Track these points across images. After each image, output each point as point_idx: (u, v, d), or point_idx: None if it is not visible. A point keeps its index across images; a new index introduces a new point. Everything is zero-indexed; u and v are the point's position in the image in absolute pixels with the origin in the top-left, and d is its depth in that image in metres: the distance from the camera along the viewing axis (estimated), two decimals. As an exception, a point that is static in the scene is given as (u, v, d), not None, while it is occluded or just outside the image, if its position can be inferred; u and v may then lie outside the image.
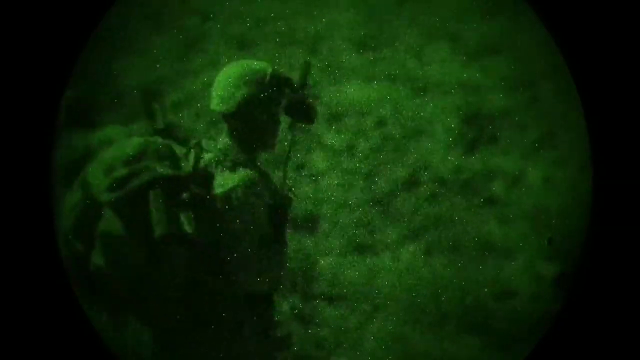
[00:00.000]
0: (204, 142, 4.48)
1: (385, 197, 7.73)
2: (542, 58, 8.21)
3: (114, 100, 8.17)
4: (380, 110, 8.27)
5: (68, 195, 4.36)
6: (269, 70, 4.41)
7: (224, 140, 4.45)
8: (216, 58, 8.55)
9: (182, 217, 4.23)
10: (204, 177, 4.34)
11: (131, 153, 4.34)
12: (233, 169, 4.36)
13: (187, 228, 4.23)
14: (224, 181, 4.33)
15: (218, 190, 4.32)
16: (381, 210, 7.63)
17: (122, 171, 4.27)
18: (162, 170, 4.28)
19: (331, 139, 8.10)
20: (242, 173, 4.34)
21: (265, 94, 4.37)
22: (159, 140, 4.42)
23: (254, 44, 8.88)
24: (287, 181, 4.70)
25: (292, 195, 4.64)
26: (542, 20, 5.15)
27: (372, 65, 8.66)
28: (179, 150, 4.42)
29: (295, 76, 4.50)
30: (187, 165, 4.34)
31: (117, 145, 4.39)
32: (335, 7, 9.22)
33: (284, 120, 4.53)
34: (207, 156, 4.41)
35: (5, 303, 4.55)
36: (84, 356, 4.57)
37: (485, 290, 6.96)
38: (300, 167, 7.92)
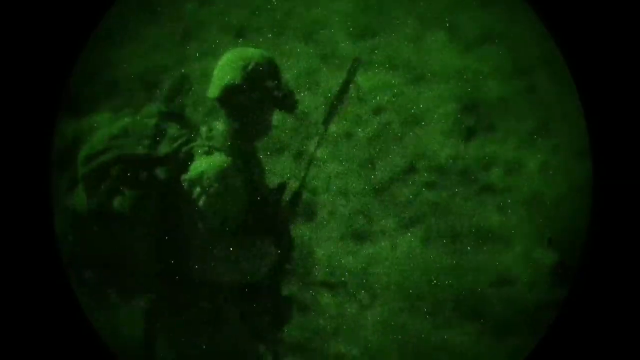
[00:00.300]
0: (202, 129, 4.50)
1: (383, 185, 7.73)
2: (538, 46, 8.20)
3: (110, 88, 8.16)
4: (378, 98, 8.26)
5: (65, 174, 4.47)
6: (256, 58, 4.45)
7: (219, 126, 4.48)
8: (213, 46, 8.52)
9: (124, 196, 4.28)
10: (182, 161, 4.37)
11: (114, 131, 4.42)
12: (209, 154, 4.38)
13: (121, 208, 4.28)
14: (196, 166, 4.36)
15: (188, 174, 4.35)
16: (379, 198, 7.63)
17: (97, 147, 4.33)
18: (129, 149, 4.35)
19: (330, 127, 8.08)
20: (214, 159, 4.36)
21: (248, 82, 4.41)
22: (150, 121, 4.46)
23: (252, 32, 8.86)
24: (305, 178, 4.75)
25: (302, 193, 4.69)
26: (539, 14, 5.14)
27: (370, 53, 8.63)
28: (178, 133, 4.45)
29: (283, 63, 4.54)
30: (165, 148, 4.37)
31: (109, 125, 4.47)
32: (333, -6, 9.23)
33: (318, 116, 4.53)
34: (199, 141, 4.44)
35: (4, 302, 4.56)
36: (83, 355, 4.59)
37: (483, 277, 6.97)
38: (298, 155, 7.91)
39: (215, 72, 4.49)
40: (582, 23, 4.98)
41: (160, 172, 4.34)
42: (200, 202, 4.30)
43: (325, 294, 6.91)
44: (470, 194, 7.64)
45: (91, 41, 4.69)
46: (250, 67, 4.41)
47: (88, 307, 4.62)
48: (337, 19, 8.96)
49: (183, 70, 8.22)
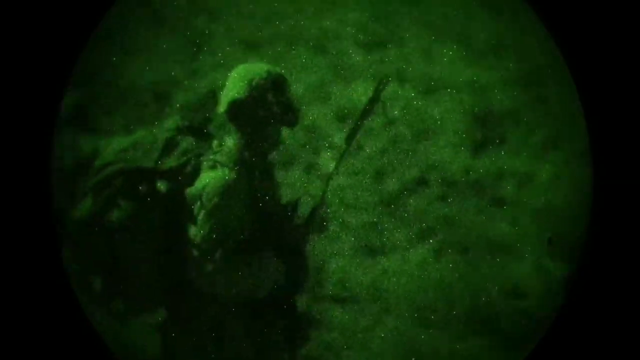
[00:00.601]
0: (213, 143, 4.51)
1: (394, 198, 7.71)
2: (548, 57, 8.18)
3: (120, 101, 8.20)
4: (389, 110, 8.24)
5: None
6: (261, 73, 4.45)
7: (229, 141, 4.47)
8: (224, 58, 8.54)
9: (121, 208, 4.30)
10: (188, 175, 4.38)
11: (125, 144, 4.45)
12: (214, 168, 4.38)
13: (119, 219, 4.29)
14: (200, 180, 4.36)
15: (191, 188, 4.36)
16: (390, 211, 7.61)
17: (106, 159, 4.37)
18: (134, 162, 4.37)
19: (340, 139, 8.07)
20: (217, 173, 4.36)
21: (252, 97, 4.41)
22: (162, 135, 4.47)
23: (262, 44, 8.88)
24: (326, 195, 4.74)
25: (323, 211, 4.68)
26: (541, 18, 5.13)
27: (381, 65, 8.64)
28: (190, 147, 4.45)
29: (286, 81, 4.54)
30: (172, 162, 4.37)
31: (123, 138, 4.50)
32: (343, 6, 9.22)
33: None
34: (207, 155, 4.44)
35: (5, 303, 4.56)
36: (83, 356, 4.58)
37: (494, 290, 6.94)
38: (309, 167, 7.91)
39: (225, 86, 4.51)
40: (581, 22, 4.97)
41: (161, 186, 4.34)
42: (200, 217, 4.30)
43: (337, 308, 6.87)
44: (482, 206, 7.62)
45: (91, 41, 4.69)
46: (254, 83, 4.42)
47: (92, 314, 4.62)
48: (348, 30, 8.98)
49: (212, 87, 8.25)
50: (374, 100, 4.76)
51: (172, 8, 9.11)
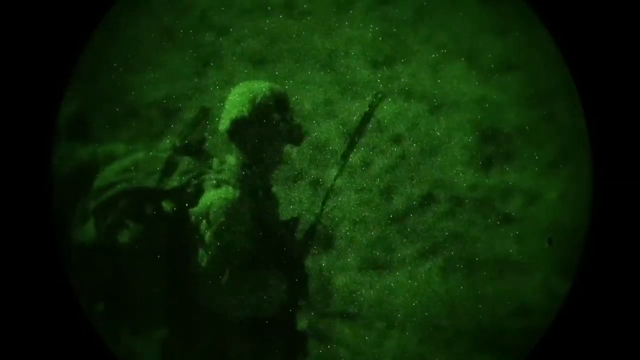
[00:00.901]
0: (214, 161, 4.51)
1: (401, 214, 7.70)
2: (557, 74, 8.17)
3: (125, 116, 8.21)
4: (396, 127, 8.27)
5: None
6: (264, 91, 4.44)
7: (230, 159, 4.47)
8: (231, 75, 8.57)
9: (129, 229, 4.30)
10: (191, 194, 4.37)
11: (126, 164, 4.44)
12: (218, 187, 4.38)
13: (126, 241, 4.28)
14: (204, 199, 4.35)
15: (196, 208, 4.35)
16: (397, 228, 7.60)
17: (107, 180, 4.35)
18: (137, 182, 4.36)
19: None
20: (222, 192, 4.35)
21: (255, 115, 4.41)
22: (163, 155, 4.47)
23: (270, 61, 8.90)
24: (321, 212, 4.74)
25: (317, 227, 4.68)
26: (551, 36, 5.13)
27: (388, 81, 8.65)
28: (190, 166, 4.45)
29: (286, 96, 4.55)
30: (174, 181, 4.37)
31: (123, 157, 4.49)
32: (351, 23, 9.23)
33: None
34: (209, 174, 4.43)
35: (5, 305, 4.56)
36: (83, 356, 4.57)
37: (501, 307, 6.92)
38: (315, 183, 7.91)
39: (226, 104, 4.50)
40: (591, 41, 4.96)
41: (166, 206, 4.34)
42: (207, 237, 4.30)
43: (343, 324, 6.86)
44: (489, 224, 7.60)
45: (91, 41, 4.70)
46: (257, 101, 4.41)
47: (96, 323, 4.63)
48: (355, 47, 8.99)
49: (205, 104, 8.26)
50: (367, 116, 4.76)
51: (182, 24, 9.14)
